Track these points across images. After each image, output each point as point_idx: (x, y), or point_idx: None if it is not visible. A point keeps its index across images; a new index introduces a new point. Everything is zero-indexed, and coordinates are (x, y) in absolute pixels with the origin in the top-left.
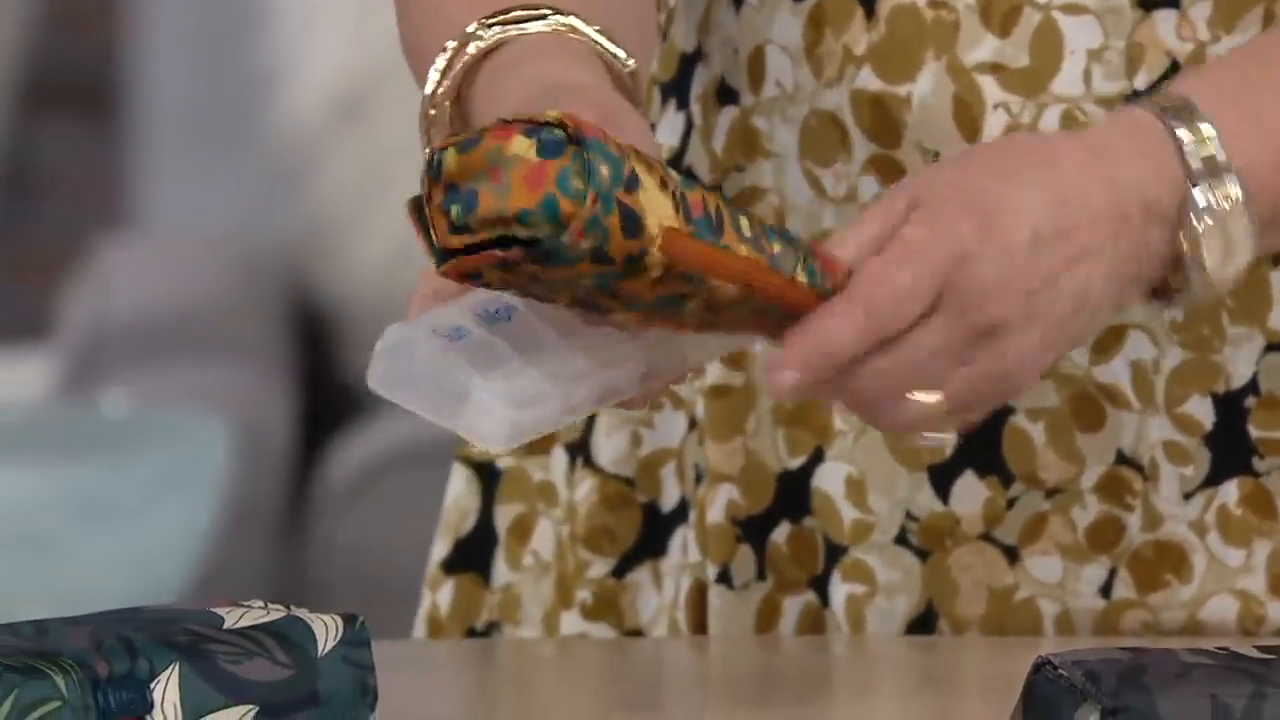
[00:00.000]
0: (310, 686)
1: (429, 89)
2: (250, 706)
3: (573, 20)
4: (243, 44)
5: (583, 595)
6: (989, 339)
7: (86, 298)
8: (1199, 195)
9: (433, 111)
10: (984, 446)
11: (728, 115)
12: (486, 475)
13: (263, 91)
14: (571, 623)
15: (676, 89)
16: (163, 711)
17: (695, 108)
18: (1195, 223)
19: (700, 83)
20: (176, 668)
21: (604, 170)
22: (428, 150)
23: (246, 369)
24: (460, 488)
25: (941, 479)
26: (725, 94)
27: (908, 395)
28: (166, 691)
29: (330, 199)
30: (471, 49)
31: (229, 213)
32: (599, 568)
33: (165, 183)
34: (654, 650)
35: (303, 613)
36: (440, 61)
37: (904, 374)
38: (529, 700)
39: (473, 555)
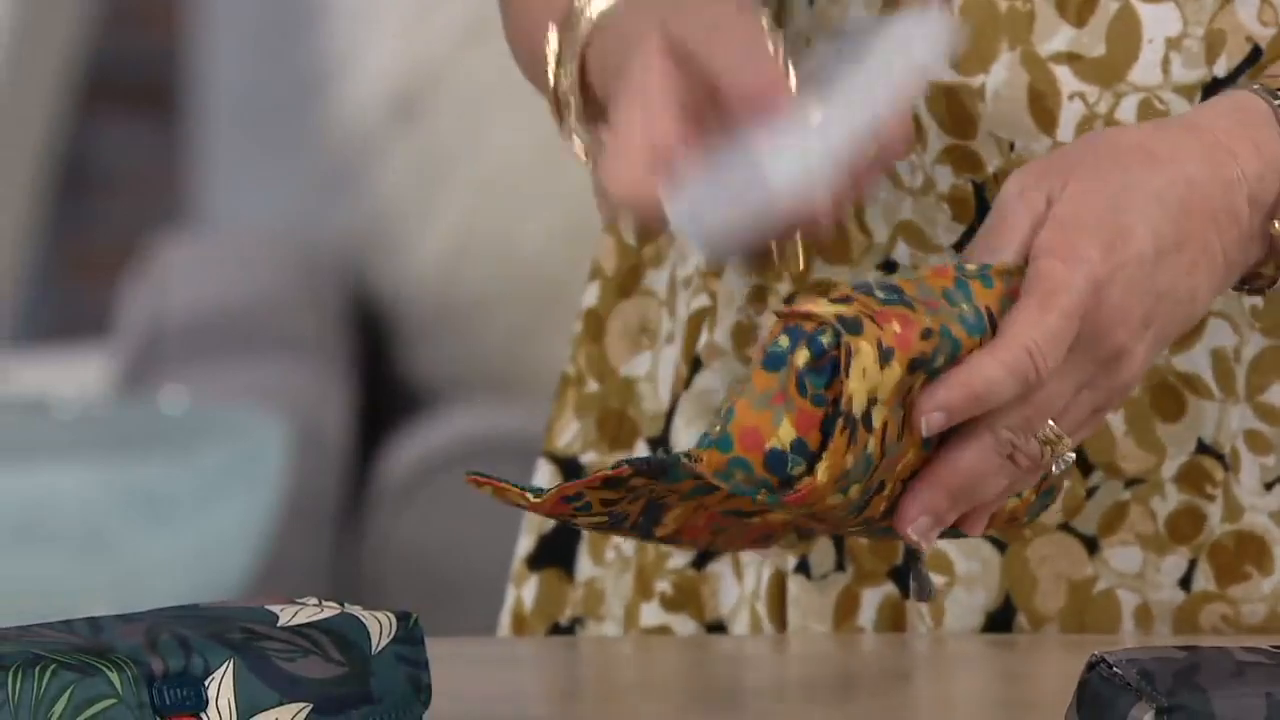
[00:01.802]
0: (364, 684)
1: (549, 80)
2: (304, 704)
3: None
4: (301, 42)
5: (662, 586)
6: (1113, 363)
7: (146, 295)
8: None
9: (566, 101)
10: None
11: None
12: (570, 470)
13: (321, 89)
14: (651, 614)
15: None
16: (217, 709)
17: None
18: None
19: None
20: (231, 665)
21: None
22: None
23: (304, 366)
24: (544, 483)
25: None
26: None
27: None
28: (221, 689)
29: (388, 196)
30: (581, 37)
31: (287, 210)
32: (679, 559)
33: (224, 181)
34: (733, 647)
35: (356, 610)
36: (551, 47)
37: (1038, 414)
38: (586, 699)
39: (556, 551)
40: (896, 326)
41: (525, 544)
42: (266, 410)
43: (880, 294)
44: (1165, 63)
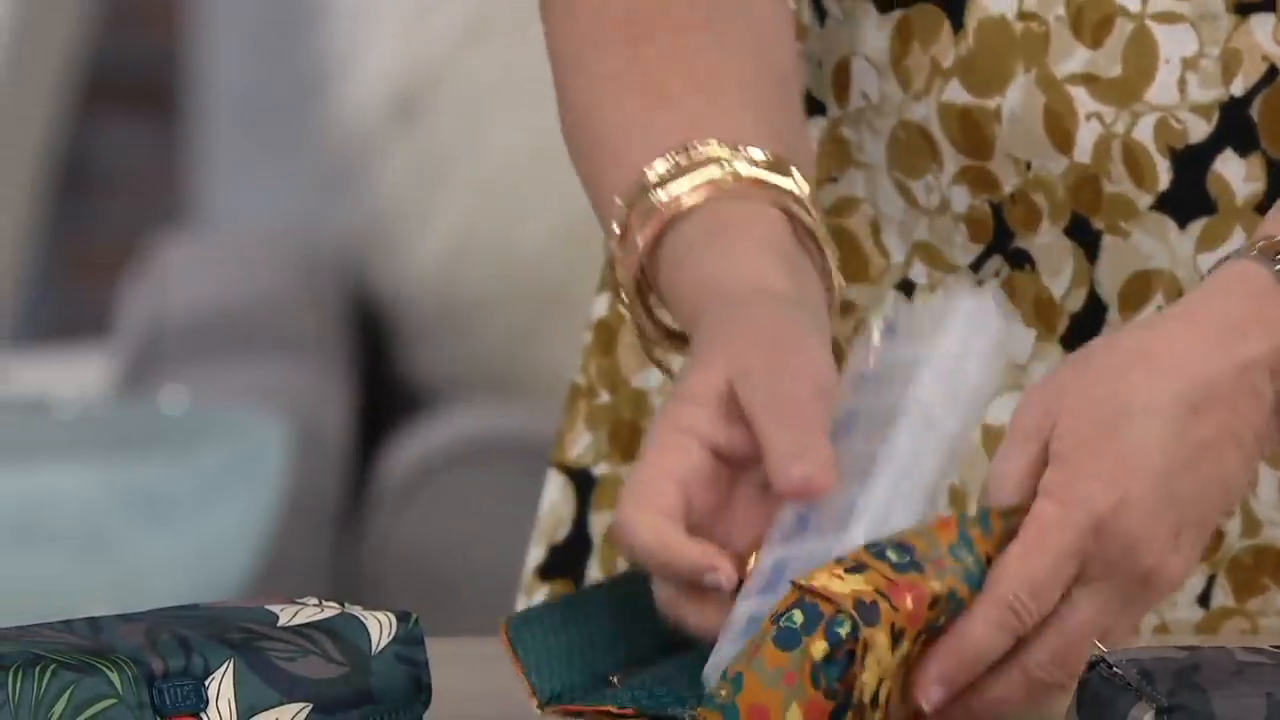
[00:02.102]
0: (364, 684)
1: (612, 246)
2: (304, 704)
3: (740, 166)
4: (301, 42)
5: None
6: (1149, 579)
7: (146, 295)
8: None
9: (625, 274)
10: None
11: (816, 126)
12: (582, 482)
13: (321, 90)
14: None
15: None
16: (217, 709)
17: None
18: None
19: None
20: (231, 665)
21: None
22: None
23: (304, 366)
24: (555, 495)
25: None
26: (812, 105)
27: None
28: (221, 688)
29: (388, 196)
30: (647, 207)
31: (287, 210)
32: None
33: (224, 180)
34: None
35: (356, 610)
36: (617, 224)
37: (1074, 643)
38: None
39: (567, 562)
40: (909, 603)
41: (536, 554)
42: (266, 410)
43: (893, 556)
44: (1182, 83)
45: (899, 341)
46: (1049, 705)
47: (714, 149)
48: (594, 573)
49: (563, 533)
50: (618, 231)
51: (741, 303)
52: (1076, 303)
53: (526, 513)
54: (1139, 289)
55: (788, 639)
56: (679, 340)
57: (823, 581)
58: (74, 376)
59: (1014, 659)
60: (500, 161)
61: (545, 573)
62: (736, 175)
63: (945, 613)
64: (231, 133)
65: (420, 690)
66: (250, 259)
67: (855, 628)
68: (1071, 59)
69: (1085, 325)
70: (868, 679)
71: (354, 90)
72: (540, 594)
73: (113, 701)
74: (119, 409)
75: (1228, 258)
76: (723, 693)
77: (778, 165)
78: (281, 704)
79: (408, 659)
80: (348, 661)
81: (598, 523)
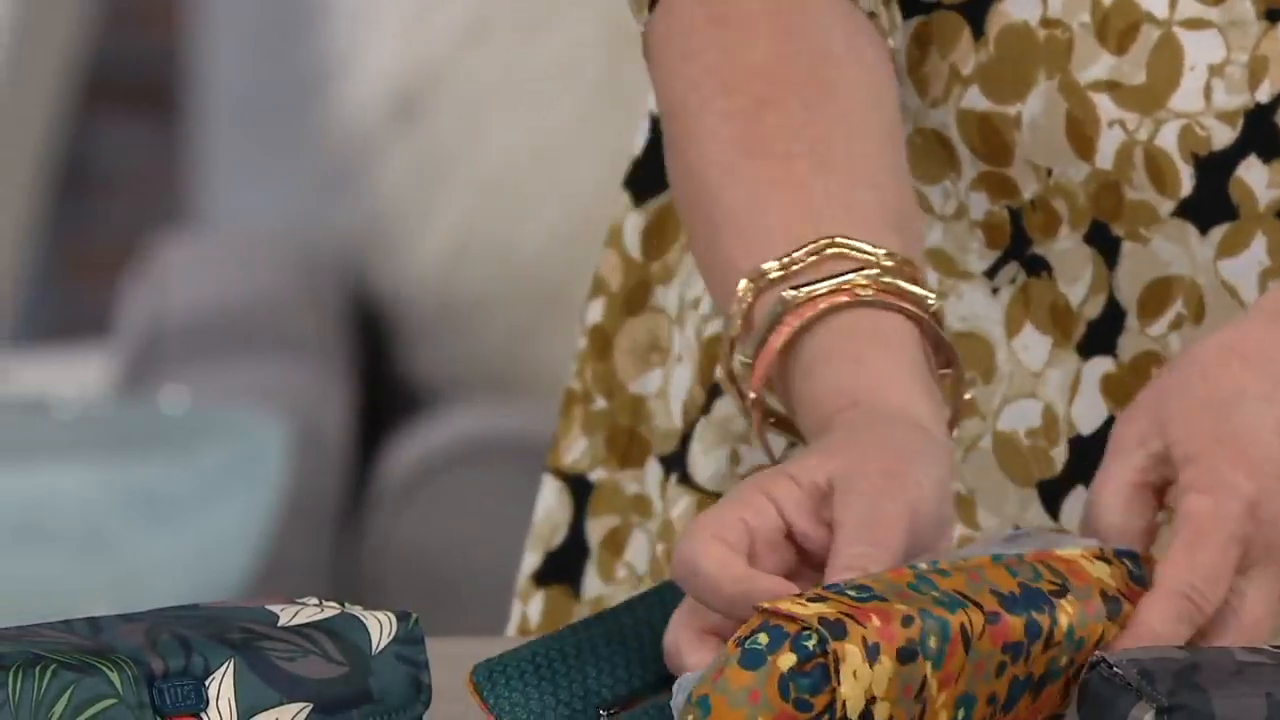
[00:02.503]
0: (364, 684)
1: (730, 330)
2: (304, 704)
3: (870, 258)
4: (301, 42)
5: None
6: None
7: (146, 295)
8: None
9: (750, 395)
10: (1094, 463)
11: None
12: (578, 488)
13: (321, 89)
14: None
15: None
16: (217, 709)
17: None
18: None
19: None
20: (231, 665)
21: None
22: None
23: (304, 366)
24: (551, 500)
25: (1051, 495)
26: None
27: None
28: (221, 688)
29: (388, 196)
30: (766, 324)
31: (287, 210)
32: None
33: (224, 181)
34: None
35: (357, 610)
36: (738, 310)
37: (1249, 636)
38: None
39: (563, 567)
40: (876, 621)
41: (531, 560)
42: (266, 410)
43: (852, 593)
44: (1207, 89)
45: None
46: None
47: (848, 245)
48: (590, 579)
49: (559, 538)
50: (738, 321)
51: (878, 419)
52: (1095, 309)
53: (526, 513)
54: (1159, 295)
55: (752, 659)
56: (785, 425)
57: (785, 606)
58: (74, 376)
59: None
60: (500, 162)
61: (541, 579)
62: (876, 282)
63: (933, 634)
64: (231, 132)
65: (420, 690)
66: (250, 259)
67: (823, 640)
68: (1095, 66)
69: (1103, 332)
70: (849, 692)
71: (354, 90)
72: (536, 600)
73: (113, 701)
74: (119, 409)
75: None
76: (689, 717)
77: (910, 270)
78: (282, 704)
79: (408, 659)
80: (348, 661)
81: (594, 529)
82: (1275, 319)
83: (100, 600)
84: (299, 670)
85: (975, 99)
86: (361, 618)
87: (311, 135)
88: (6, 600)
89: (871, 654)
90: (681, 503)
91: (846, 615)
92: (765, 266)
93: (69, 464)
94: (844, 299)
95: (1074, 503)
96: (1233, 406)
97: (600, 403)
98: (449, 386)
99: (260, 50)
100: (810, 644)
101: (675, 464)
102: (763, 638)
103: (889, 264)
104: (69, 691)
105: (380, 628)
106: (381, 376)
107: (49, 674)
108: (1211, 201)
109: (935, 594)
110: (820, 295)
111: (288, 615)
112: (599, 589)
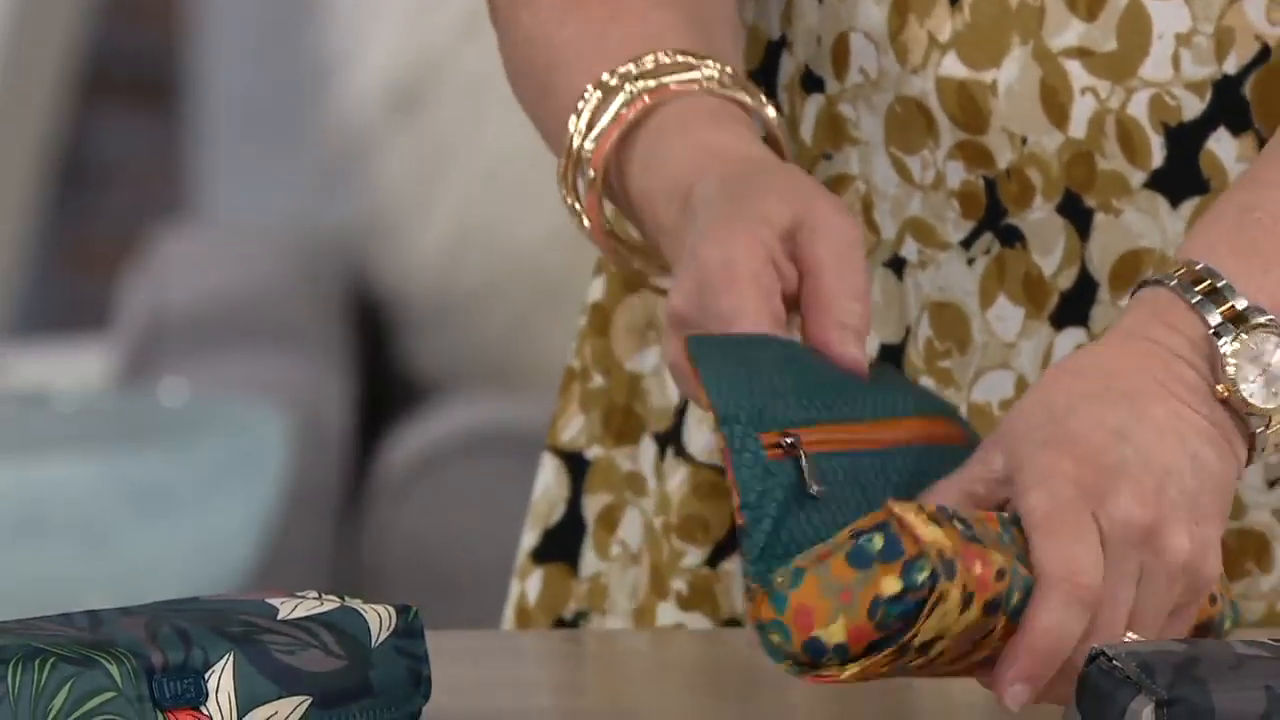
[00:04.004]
0: (363, 677)
1: (572, 143)
2: (304, 697)
3: (712, 71)
4: (301, 35)
5: (678, 585)
6: (1150, 541)
7: (145, 288)
8: (1223, 344)
9: (589, 174)
10: None
11: (814, 103)
12: (575, 465)
13: (321, 83)
14: (668, 613)
15: (764, 77)
16: (217, 702)
17: (783, 96)
18: (1227, 368)
19: (786, 72)
20: (231, 658)
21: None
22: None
23: (304, 358)
24: (549, 478)
25: None
26: (811, 82)
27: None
28: (221, 682)
29: (388, 189)
30: (618, 105)
31: (287, 203)
32: (692, 557)
33: (224, 174)
34: (735, 638)
35: (356, 603)
36: (582, 122)
37: (1110, 629)
38: (586, 691)
39: (561, 545)
40: (978, 568)
41: (530, 538)
42: (266, 403)
43: (960, 526)
44: (1175, 58)
45: None
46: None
47: (693, 55)
48: (588, 556)
49: (556, 516)
50: (583, 125)
51: (756, 165)
52: (1067, 281)
53: (526, 504)
54: (1130, 268)
55: (860, 558)
56: (641, 252)
57: (912, 519)
58: (73, 369)
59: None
60: (500, 154)
61: (539, 556)
62: (718, 83)
63: (1018, 588)
64: (231, 125)
65: (420, 683)
66: (250, 251)
67: (934, 576)
68: (1067, 32)
69: (1075, 303)
70: (926, 630)
71: (354, 83)
72: (534, 578)
73: (112, 695)
74: (119, 401)
75: (1144, 283)
76: (779, 580)
77: (750, 86)
78: (281, 697)
79: (407, 652)
80: (347, 655)
81: (590, 505)
82: (1125, 339)
83: (100, 593)
84: (299, 663)
85: (953, 66)
86: (361, 611)
87: (311, 128)
88: (6, 593)
89: (966, 602)
90: (678, 474)
91: (958, 555)
92: (613, 71)
93: (68, 456)
94: (694, 89)
95: None
96: (1064, 413)
97: (598, 380)
98: (449, 378)
99: (260, 43)
100: (921, 576)
101: (670, 440)
102: (878, 541)
103: (729, 75)
104: (69, 684)
105: (380, 621)
106: (381, 368)
107: (48, 667)
108: (1182, 174)
109: (1016, 549)
110: (667, 86)
111: (287, 608)
112: (596, 565)
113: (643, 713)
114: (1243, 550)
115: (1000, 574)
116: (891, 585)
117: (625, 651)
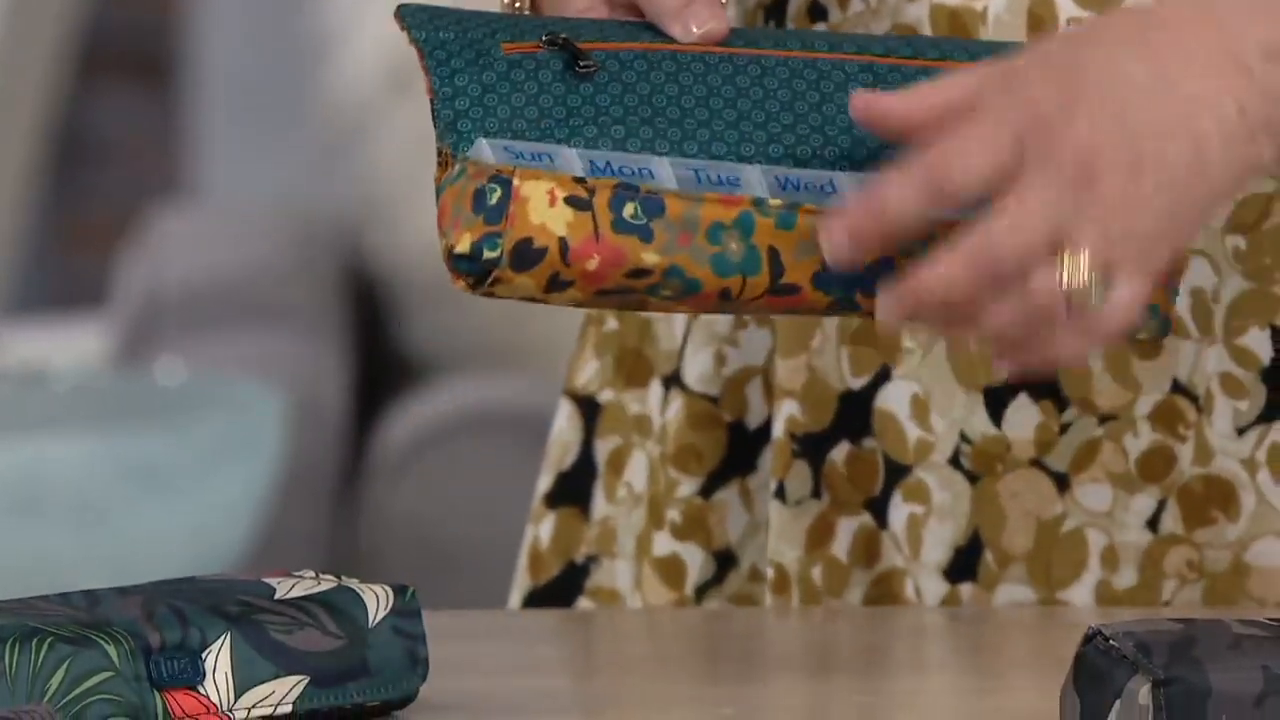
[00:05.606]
0: (360, 657)
1: None
2: (301, 676)
3: None
4: (297, 13)
5: (672, 515)
6: (1090, 183)
7: (142, 266)
8: None
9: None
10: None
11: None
12: (588, 409)
13: (317, 61)
14: (663, 543)
15: (776, 10)
16: (214, 681)
17: (791, 26)
18: None
19: (795, 2)
20: (228, 637)
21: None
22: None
23: (301, 338)
24: (563, 422)
25: (996, 401)
26: (816, 11)
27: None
28: (218, 661)
29: (384, 168)
30: None
31: (283, 182)
32: (686, 487)
33: (220, 152)
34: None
35: (353, 583)
36: None
37: (1028, 235)
38: (584, 670)
39: (574, 489)
40: (593, 264)
41: (544, 482)
42: (263, 382)
43: (629, 210)
44: None
45: None
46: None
47: None
48: (598, 500)
49: (570, 459)
50: None
51: None
52: None
53: (524, 484)
54: None
55: (479, 201)
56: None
57: (542, 191)
58: (70, 348)
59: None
60: None
61: (552, 500)
62: None
63: (669, 288)
64: (228, 103)
65: (417, 663)
66: (247, 230)
67: (497, 262)
68: None
69: None
70: (491, 293)
71: (351, 61)
72: (547, 522)
73: (110, 674)
74: (115, 380)
75: None
76: (455, 169)
77: None
78: (278, 676)
79: (405, 631)
80: (344, 634)
81: (601, 449)
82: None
83: (97, 572)
84: (296, 643)
85: None
86: (358, 590)
87: (308, 106)
88: (3, 573)
89: (552, 286)
90: (675, 404)
91: (575, 244)
92: None
93: (65, 435)
94: None
95: (1017, 410)
96: (1079, 47)
97: (611, 324)
98: (446, 357)
99: (257, 21)
100: (490, 254)
101: (674, 382)
102: (494, 195)
103: None
104: (66, 664)
105: (377, 601)
106: (378, 347)
107: (46, 646)
108: None
109: (734, 248)
110: None
111: (284, 588)
112: (605, 509)
113: (643, 693)
114: (1210, 498)
115: (639, 273)
116: (464, 244)
117: (626, 631)
